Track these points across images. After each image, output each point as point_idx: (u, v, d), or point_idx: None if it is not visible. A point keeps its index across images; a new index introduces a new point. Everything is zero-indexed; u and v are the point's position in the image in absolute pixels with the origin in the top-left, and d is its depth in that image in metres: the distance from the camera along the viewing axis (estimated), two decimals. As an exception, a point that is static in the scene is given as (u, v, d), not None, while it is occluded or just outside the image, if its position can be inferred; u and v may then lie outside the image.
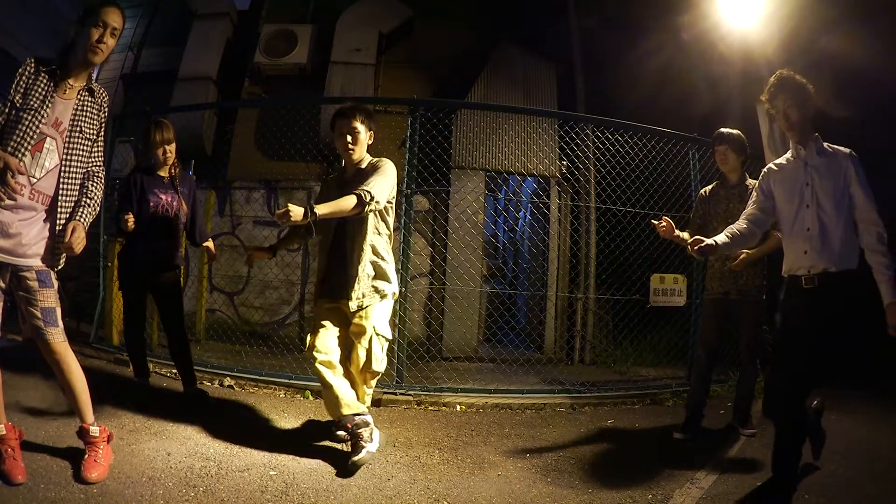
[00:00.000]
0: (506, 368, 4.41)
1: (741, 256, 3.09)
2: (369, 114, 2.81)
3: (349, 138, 2.72)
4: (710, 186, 3.42)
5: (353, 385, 2.70)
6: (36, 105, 2.00)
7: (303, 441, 2.85)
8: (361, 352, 2.65)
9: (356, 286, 2.64)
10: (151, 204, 3.15)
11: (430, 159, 4.63)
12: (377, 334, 2.67)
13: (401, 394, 3.80)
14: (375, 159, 2.80)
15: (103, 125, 2.23)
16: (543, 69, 6.55)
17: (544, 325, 5.98)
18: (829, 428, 3.45)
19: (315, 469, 2.47)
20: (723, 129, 3.28)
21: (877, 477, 2.63)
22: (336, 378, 2.59)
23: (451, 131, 5.67)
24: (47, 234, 2.07)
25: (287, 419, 3.19)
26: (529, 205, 6.64)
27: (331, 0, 7.00)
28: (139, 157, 3.64)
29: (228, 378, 3.95)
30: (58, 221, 2.07)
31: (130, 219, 3.01)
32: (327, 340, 2.64)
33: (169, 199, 3.22)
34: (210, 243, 3.49)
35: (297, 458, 2.59)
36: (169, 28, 7.49)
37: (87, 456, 2.17)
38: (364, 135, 2.76)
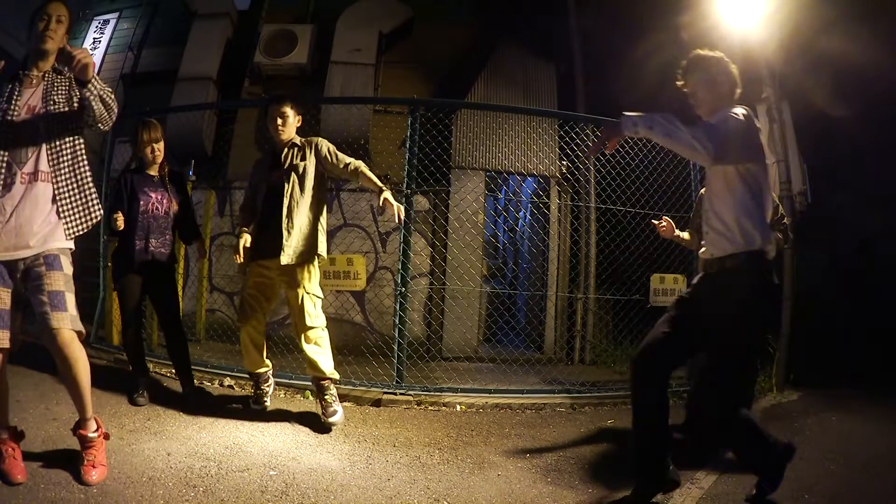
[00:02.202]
0: (506, 368, 4.41)
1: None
2: (300, 102, 3.22)
3: (279, 121, 3.09)
4: (710, 186, 3.41)
5: (297, 341, 3.08)
6: (3, 104, 2.02)
7: (303, 441, 2.85)
8: (296, 310, 3.02)
9: (288, 242, 2.95)
10: (141, 203, 3.20)
11: (430, 159, 4.63)
12: (307, 293, 3.01)
13: (401, 394, 3.80)
14: (307, 139, 3.16)
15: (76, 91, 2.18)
16: (543, 69, 6.55)
17: (544, 325, 5.98)
18: (829, 428, 3.47)
19: (315, 469, 2.47)
20: (723, 129, 3.28)
21: (877, 477, 2.63)
22: (250, 346, 3.16)
23: (451, 131, 5.66)
24: (52, 217, 2.06)
25: (287, 419, 3.19)
26: (529, 205, 6.64)
27: (331, 0, 7.00)
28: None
29: (228, 378, 3.95)
30: (58, 199, 2.06)
31: (120, 217, 3.08)
32: (255, 313, 3.11)
33: (159, 197, 3.26)
34: (199, 240, 3.51)
35: (297, 458, 2.59)
36: (169, 28, 7.48)
37: (85, 458, 2.15)
38: (293, 119, 3.14)
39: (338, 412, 3.08)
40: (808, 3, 4.61)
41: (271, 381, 3.40)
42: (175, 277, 3.51)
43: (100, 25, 7.88)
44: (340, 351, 4.73)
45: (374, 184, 2.96)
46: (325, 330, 3.11)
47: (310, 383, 3.73)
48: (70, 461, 2.21)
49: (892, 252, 6.01)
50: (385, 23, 6.80)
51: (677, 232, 3.18)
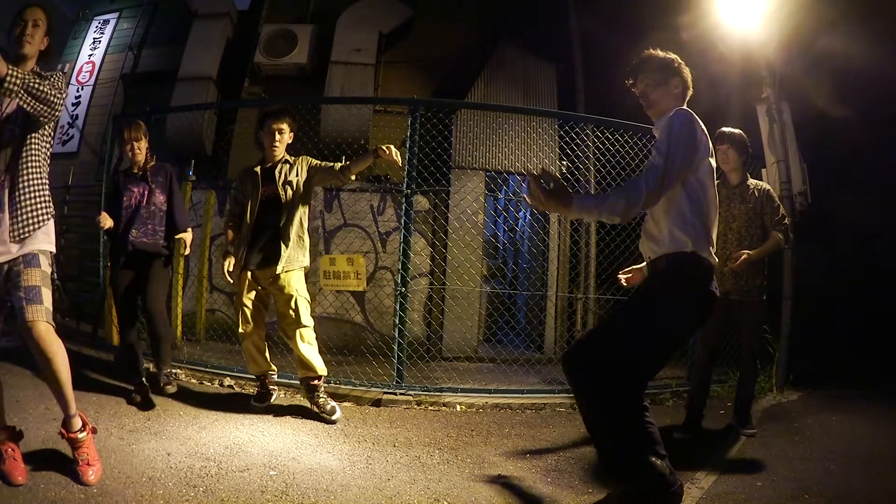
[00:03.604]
0: (506, 368, 4.40)
1: (742, 257, 3.08)
2: (295, 118, 3.29)
3: (277, 136, 3.16)
4: (710, 187, 3.41)
5: (290, 342, 3.19)
6: None
7: (303, 441, 2.85)
8: (290, 312, 3.13)
9: (284, 253, 3.09)
10: (125, 198, 3.35)
11: (430, 159, 4.63)
12: (300, 296, 3.15)
13: (401, 394, 3.80)
14: (296, 157, 3.25)
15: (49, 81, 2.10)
16: (543, 69, 6.55)
17: (544, 325, 5.98)
18: (829, 428, 3.47)
19: (315, 469, 2.47)
20: (724, 129, 3.28)
21: (877, 477, 2.63)
22: (255, 352, 3.28)
23: (451, 131, 5.66)
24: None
25: (287, 419, 3.19)
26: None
27: (331, 0, 7.00)
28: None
29: (228, 378, 3.95)
30: (19, 199, 2.04)
31: (102, 216, 3.23)
32: (257, 321, 3.24)
33: (141, 191, 3.38)
34: (186, 235, 3.52)
35: (297, 458, 2.59)
36: (169, 28, 7.48)
37: (78, 459, 2.14)
38: (288, 135, 3.21)
39: (336, 408, 3.26)
40: (808, 3, 4.61)
41: (275, 380, 3.50)
42: (165, 263, 3.49)
43: (100, 25, 7.88)
44: (340, 351, 4.75)
45: (366, 157, 3.06)
46: (313, 330, 3.23)
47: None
48: (70, 461, 2.21)
49: (892, 252, 6.01)
50: (385, 23, 6.79)
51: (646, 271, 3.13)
